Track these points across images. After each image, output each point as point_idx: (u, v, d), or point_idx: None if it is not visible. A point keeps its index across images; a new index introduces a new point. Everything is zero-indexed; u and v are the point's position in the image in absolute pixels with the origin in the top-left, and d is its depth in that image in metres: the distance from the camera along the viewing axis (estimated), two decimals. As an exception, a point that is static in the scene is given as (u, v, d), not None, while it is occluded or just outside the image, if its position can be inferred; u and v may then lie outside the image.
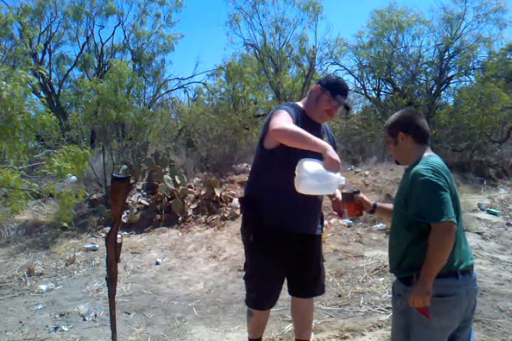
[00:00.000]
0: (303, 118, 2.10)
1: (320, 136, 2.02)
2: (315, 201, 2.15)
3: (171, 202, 5.95)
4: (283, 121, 1.94)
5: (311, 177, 1.81)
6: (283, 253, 2.17)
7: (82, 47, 13.50)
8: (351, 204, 1.98)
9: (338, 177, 1.84)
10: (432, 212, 1.52)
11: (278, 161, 2.08)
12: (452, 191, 1.59)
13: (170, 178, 6.27)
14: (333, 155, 1.80)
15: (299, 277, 2.28)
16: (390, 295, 3.32)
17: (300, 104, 2.24)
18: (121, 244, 1.96)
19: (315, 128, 2.12)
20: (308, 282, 2.29)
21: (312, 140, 1.83)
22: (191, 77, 15.15)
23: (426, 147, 1.73)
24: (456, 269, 1.59)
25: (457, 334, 1.66)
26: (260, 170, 2.22)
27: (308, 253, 2.27)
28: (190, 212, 5.98)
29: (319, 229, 2.30)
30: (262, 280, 2.21)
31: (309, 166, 1.83)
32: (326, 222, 5.70)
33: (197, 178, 7.21)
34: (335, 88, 2.11)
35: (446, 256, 1.52)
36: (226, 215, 5.78)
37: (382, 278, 3.76)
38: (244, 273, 2.33)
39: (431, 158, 1.67)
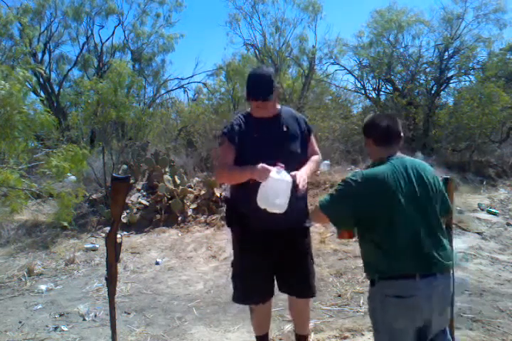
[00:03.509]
0: (248, 122, 2.23)
1: (276, 128, 2.20)
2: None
3: (170, 202, 5.95)
4: (219, 164, 2.25)
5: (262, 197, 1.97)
6: (263, 251, 2.19)
7: (82, 47, 13.50)
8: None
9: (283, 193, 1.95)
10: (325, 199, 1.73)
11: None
12: (384, 193, 1.64)
13: (170, 178, 6.26)
14: (259, 167, 1.98)
15: (286, 275, 2.28)
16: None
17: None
18: (121, 244, 1.96)
19: (267, 123, 2.22)
20: (296, 282, 2.28)
21: (239, 172, 2.10)
22: (191, 77, 15.16)
23: (389, 149, 1.77)
24: (414, 272, 1.58)
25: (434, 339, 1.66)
26: None
27: (294, 249, 2.25)
28: (190, 212, 5.98)
29: (305, 222, 2.27)
30: (244, 277, 2.25)
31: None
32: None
33: (197, 178, 7.20)
34: (247, 87, 2.16)
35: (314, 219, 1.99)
36: (226, 215, 5.77)
37: (382, 278, 3.76)
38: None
39: (376, 165, 1.75)
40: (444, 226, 1.74)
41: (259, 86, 2.12)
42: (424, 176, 1.70)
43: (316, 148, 2.37)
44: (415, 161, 1.76)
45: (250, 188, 2.05)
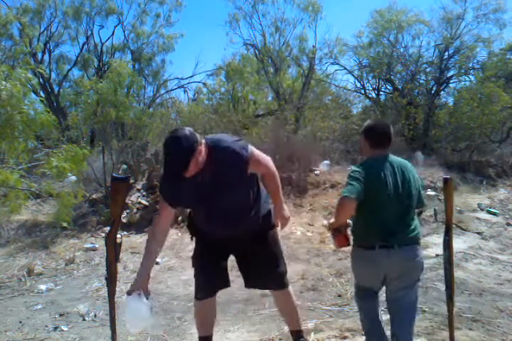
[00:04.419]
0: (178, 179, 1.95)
1: (203, 179, 2.02)
2: (233, 210, 2.15)
3: (170, 202, 5.94)
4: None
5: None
6: (214, 251, 2.29)
7: (82, 47, 13.51)
8: (339, 236, 2.22)
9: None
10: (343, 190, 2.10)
11: None
12: (374, 182, 2.09)
13: (170, 178, 6.26)
14: (137, 286, 2.08)
15: (246, 270, 2.35)
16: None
17: None
18: (120, 243, 1.96)
19: (195, 177, 1.99)
20: (259, 275, 2.32)
21: (144, 253, 2.19)
22: (191, 76, 15.16)
23: (381, 150, 2.20)
24: (368, 244, 2.12)
25: (394, 297, 2.19)
26: None
27: (255, 250, 2.29)
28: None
29: (259, 225, 2.28)
30: (196, 274, 2.35)
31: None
32: (325, 222, 5.70)
33: (197, 178, 7.19)
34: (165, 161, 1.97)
35: (339, 215, 2.12)
36: (226, 215, 5.77)
37: (382, 278, 3.76)
38: None
39: (370, 159, 2.22)
40: (415, 214, 2.22)
41: (174, 164, 1.87)
42: (406, 173, 2.16)
43: (264, 159, 2.19)
44: (401, 161, 2.23)
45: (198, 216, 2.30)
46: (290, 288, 2.40)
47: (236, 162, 2.04)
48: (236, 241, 2.28)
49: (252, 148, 2.12)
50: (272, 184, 2.24)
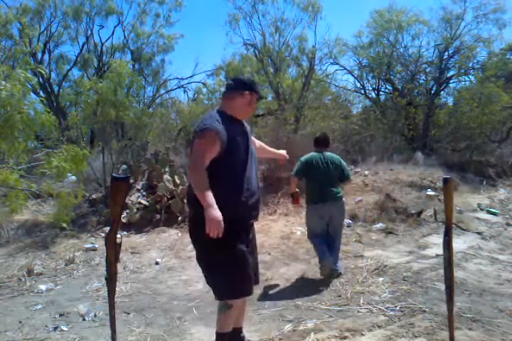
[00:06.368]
0: (229, 122, 2.23)
1: (247, 135, 2.32)
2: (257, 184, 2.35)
3: (170, 202, 5.95)
4: (198, 164, 2.11)
5: None
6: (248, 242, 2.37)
7: (82, 47, 13.50)
8: (295, 199, 4.03)
9: None
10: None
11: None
12: (310, 166, 3.87)
13: (169, 178, 6.26)
14: (216, 219, 2.03)
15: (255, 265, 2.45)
16: (390, 295, 3.33)
17: (223, 108, 2.31)
18: (120, 243, 1.96)
19: (240, 128, 2.31)
20: (257, 270, 2.46)
21: (204, 195, 2.06)
22: (191, 76, 15.17)
23: (319, 148, 4.02)
24: (314, 201, 3.87)
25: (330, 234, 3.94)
26: None
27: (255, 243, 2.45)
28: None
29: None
30: (241, 269, 2.29)
31: None
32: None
33: (196, 178, 7.19)
34: (252, 84, 2.34)
35: (290, 185, 4.14)
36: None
37: (382, 278, 3.76)
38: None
39: (311, 154, 4.00)
40: (338, 184, 3.90)
41: (259, 86, 2.30)
42: (331, 161, 3.90)
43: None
44: (331, 154, 3.98)
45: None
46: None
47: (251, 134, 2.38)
48: (251, 228, 2.35)
49: (206, 133, 2.20)
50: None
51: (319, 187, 3.79)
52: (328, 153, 3.95)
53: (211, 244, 2.12)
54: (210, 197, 2.06)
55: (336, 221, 3.86)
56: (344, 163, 3.98)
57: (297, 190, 3.99)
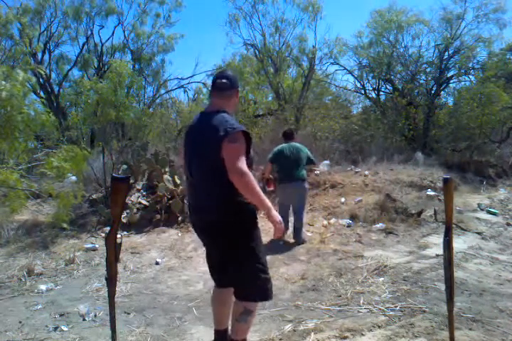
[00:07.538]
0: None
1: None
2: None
3: (170, 202, 5.95)
4: (243, 166, 2.00)
5: None
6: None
7: (82, 47, 13.50)
8: (269, 183, 4.88)
9: None
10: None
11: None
12: (281, 153, 4.98)
13: (170, 178, 6.26)
14: (276, 216, 2.09)
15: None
16: (390, 295, 3.33)
17: (224, 108, 2.26)
18: (120, 244, 1.96)
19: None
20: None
21: (263, 197, 2.03)
22: (191, 77, 15.16)
23: (287, 140, 5.15)
24: (283, 181, 4.95)
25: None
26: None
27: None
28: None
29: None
30: (266, 271, 2.31)
31: None
32: (325, 222, 5.70)
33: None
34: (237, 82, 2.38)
35: (264, 170, 5.15)
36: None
37: (382, 278, 3.76)
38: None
39: (282, 145, 5.11)
40: (303, 167, 4.94)
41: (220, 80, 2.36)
42: (297, 150, 4.97)
43: (231, 152, 2.19)
44: (298, 144, 5.07)
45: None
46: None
47: (216, 134, 2.07)
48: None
49: (238, 134, 2.07)
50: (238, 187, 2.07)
51: (288, 169, 4.87)
52: (294, 143, 5.08)
53: (258, 245, 2.20)
54: (266, 198, 2.09)
55: (300, 196, 4.94)
56: (308, 151, 5.12)
57: (271, 176, 4.95)
